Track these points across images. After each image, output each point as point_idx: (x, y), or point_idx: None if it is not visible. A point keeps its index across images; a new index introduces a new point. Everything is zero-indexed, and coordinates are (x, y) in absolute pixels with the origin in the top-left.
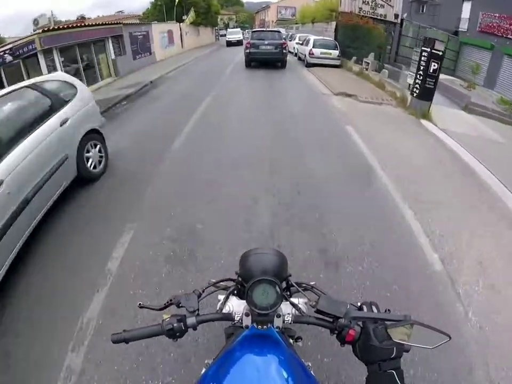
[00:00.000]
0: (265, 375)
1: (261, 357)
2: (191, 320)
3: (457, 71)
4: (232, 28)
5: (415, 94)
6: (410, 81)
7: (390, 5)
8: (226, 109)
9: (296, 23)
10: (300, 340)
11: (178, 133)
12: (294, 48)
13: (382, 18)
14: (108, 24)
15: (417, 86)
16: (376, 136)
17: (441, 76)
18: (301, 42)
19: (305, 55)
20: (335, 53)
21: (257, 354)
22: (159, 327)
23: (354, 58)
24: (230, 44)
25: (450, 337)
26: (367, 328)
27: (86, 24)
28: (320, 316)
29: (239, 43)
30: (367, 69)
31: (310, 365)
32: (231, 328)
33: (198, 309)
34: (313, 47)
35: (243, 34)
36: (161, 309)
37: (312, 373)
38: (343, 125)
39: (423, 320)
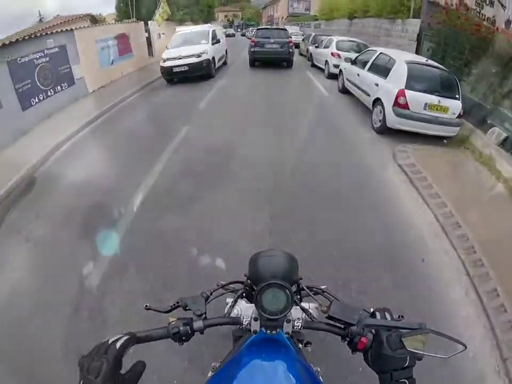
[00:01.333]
0: (273, 380)
1: (269, 362)
2: (197, 324)
3: None
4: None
5: None
6: None
7: (503, 4)
8: None
9: (316, 19)
10: (309, 344)
11: None
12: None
13: (488, 23)
14: None
15: None
16: None
17: None
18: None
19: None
20: (455, 105)
21: (265, 359)
22: (165, 330)
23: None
24: None
25: (466, 347)
26: (380, 336)
27: None
28: (331, 322)
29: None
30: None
31: (319, 370)
32: (239, 331)
33: (205, 313)
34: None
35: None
36: (167, 311)
37: (321, 379)
38: None
39: None
